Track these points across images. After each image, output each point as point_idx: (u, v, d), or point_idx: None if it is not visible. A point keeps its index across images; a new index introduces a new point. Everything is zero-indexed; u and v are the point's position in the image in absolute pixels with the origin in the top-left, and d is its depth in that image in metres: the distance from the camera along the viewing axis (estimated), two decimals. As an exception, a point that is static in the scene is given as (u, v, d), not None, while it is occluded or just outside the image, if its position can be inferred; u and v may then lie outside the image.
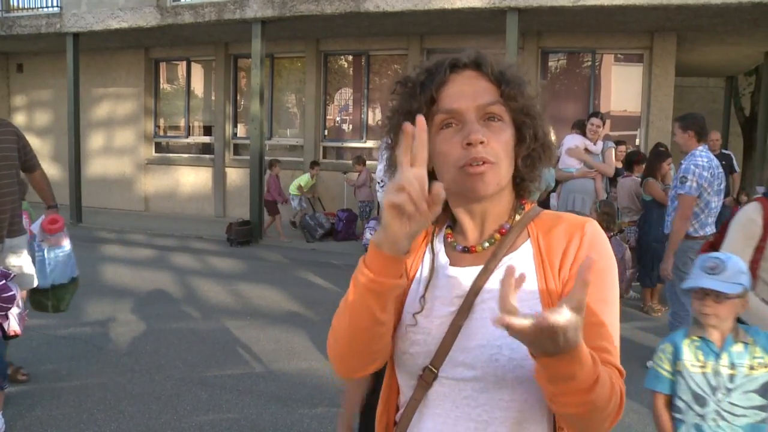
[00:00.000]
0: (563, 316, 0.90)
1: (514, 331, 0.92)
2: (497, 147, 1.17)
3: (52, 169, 15.00)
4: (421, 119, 1.03)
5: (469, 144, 1.15)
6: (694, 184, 5.11)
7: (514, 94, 1.21)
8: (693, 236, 5.28)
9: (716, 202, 5.30)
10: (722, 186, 5.36)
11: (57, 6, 13.49)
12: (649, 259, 6.79)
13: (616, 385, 1.07)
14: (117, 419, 4.13)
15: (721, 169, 5.35)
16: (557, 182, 7.81)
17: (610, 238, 5.56)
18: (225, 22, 11.57)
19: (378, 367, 1.27)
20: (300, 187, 12.28)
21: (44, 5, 13.86)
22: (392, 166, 1.28)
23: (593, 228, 1.21)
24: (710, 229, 5.34)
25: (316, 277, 8.56)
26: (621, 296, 5.50)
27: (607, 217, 5.86)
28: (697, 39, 11.30)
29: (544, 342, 0.93)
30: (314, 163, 12.63)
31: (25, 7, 14.30)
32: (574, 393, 1.00)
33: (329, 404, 4.48)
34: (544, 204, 7.64)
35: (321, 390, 4.72)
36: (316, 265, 9.31)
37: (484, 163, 1.15)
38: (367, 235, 10.28)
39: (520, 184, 1.27)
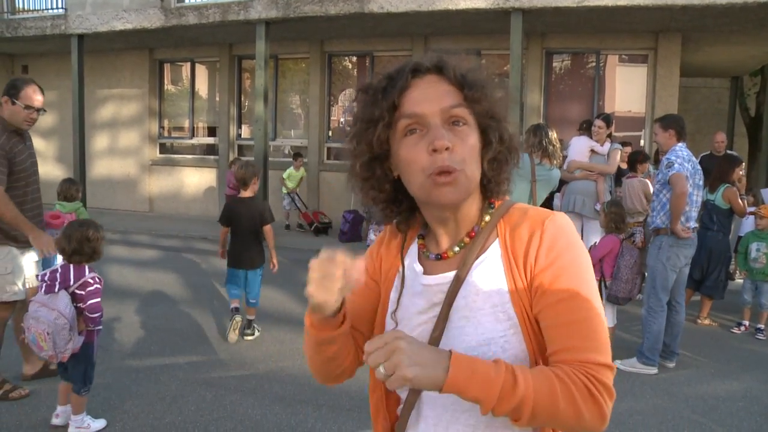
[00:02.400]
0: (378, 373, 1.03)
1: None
2: (463, 152, 1.15)
3: (56, 170, 15.07)
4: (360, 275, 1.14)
5: (434, 150, 1.13)
6: (683, 168, 5.24)
7: (478, 97, 1.19)
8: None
9: (697, 196, 5.39)
10: (701, 182, 5.49)
11: (62, 8, 13.52)
12: (722, 270, 6.79)
13: (563, 378, 1.06)
14: (122, 419, 4.14)
15: (700, 167, 5.48)
16: (562, 182, 7.81)
17: (621, 241, 5.56)
18: (229, 23, 11.59)
19: (348, 377, 1.41)
20: (284, 182, 12.35)
21: (49, 7, 13.89)
22: (361, 178, 1.29)
23: (554, 223, 1.18)
24: (693, 223, 5.41)
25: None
26: (631, 299, 5.51)
27: (616, 217, 5.84)
28: (702, 39, 11.28)
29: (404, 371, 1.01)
30: (297, 155, 12.66)
31: (31, 8, 14.32)
32: (499, 404, 1.03)
33: (333, 405, 4.48)
34: (548, 204, 7.63)
35: (325, 390, 4.72)
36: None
37: (450, 172, 1.13)
38: (371, 236, 10.27)
39: (487, 186, 1.26)
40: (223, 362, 5.33)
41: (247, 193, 5.97)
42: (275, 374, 5.07)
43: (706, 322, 6.89)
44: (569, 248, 1.16)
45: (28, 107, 4.36)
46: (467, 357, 1.05)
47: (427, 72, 1.20)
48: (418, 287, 1.27)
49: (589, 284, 1.16)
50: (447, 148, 1.13)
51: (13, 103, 4.35)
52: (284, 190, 12.45)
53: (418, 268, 1.29)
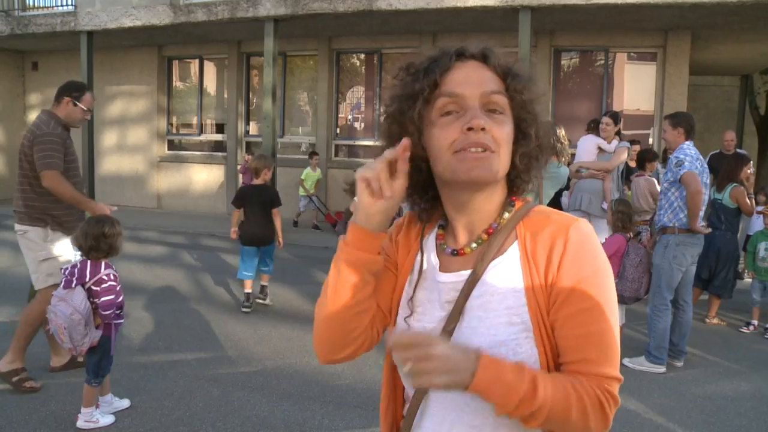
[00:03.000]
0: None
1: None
2: (498, 136, 1.15)
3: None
4: (407, 141, 1.14)
5: (469, 129, 1.12)
6: (693, 166, 5.23)
7: (520, 88, 1.19)
8: (686, 229, 5.30)
9: (704, 194, 5.36)
10: (707, 180, 5.48)
11: (71, 5, 13.57)
12: (730, 269, 6.77)
13: (578, 388, 1.09)
14: (130, 415, 4.16)
15: (706, 165, 5.46)
16: (569, 181, 7.79)
17: (627, 240, 5.55)
18: (238, 20, 11.60)
19: (354, 352, 1.29)
20: (302, 183, 12.34)
21: (59, 4, 13.94)
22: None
23: (578, 231, 1.16)
24: (702, 222, 5.39)
25: (327, 275, 8.56)
26: (639, 299, 5.50)
27: (622, 216, 5.82)
28: (711, 37, 11.22)
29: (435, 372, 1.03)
30: (313, 153, 12.65)
31: (41, 5, 14.39)
32: (517, 408, 1.06)
33: (341, 401, 4.49)
34: (555, 202, 7.61)
35: (333, 387, 4.73)
36: (328, 263, 9.28)
37: (484, 150, 1.13)
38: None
39: (513, 181, 1.25)
40: (230, 359, 5.35)
41: (258, 181, 6.87)
42: (283, 371, 5.08)
43: (715, 321, 6.86)
44: (593, 258, 1.16)
45: (84, 110, 4.83)
46: (494, 361, 1.06)
47: (471, 57, 1.20)
48: (434, 282, 1.26)
49: (608, 295, 1.16)
50: (483, 129, 1.12)
51: (75, 105, 4.78)
52: (302, 192, 12.42)
53: (435, 261, 1.28)
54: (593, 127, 7.92)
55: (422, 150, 1.21)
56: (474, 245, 1.24)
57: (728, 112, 17.15)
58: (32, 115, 16.53)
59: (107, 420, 4.00)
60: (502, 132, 1.16)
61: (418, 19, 11.05)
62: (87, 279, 3.77)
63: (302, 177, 12.41)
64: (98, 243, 3.80)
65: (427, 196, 1.29)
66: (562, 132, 5.41)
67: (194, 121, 15.30)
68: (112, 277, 3.84)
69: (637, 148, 8.85)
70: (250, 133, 14.62)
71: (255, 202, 6.72)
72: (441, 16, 10.60)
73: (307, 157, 12.88)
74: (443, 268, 1.26)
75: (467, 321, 1.19)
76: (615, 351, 1.14)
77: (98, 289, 3.77)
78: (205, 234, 11.96)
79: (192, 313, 6.64)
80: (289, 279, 8.16)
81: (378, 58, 13.34)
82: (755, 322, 6.70)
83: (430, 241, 1.32)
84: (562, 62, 12.28)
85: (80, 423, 3.92)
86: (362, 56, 13.81)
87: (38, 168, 4.48)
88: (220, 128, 15.02)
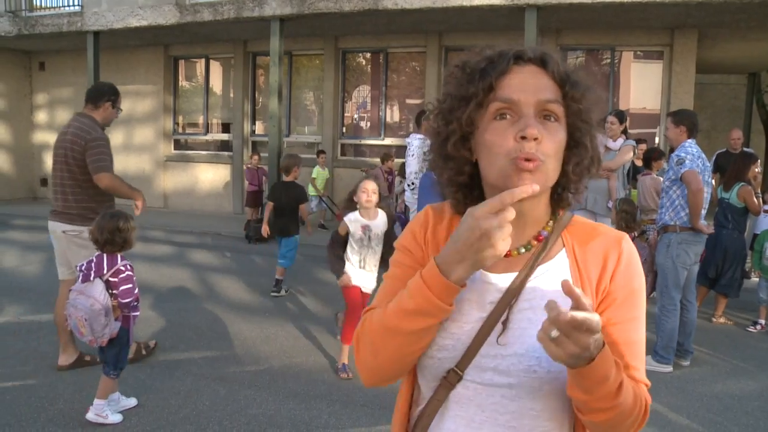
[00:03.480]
0: (594, 317, 0.95)
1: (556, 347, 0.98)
2: (550, 147, 1.13)
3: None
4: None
5: (523, 138, 1.11)
6: (694, 164, 5.20)
7: (579, 97, 1.18)
8: (688, 227, 5.29)
9: (706, 193, 5.35)
10: (710, 179, 5.47)
11: (78, 5, 13.62)
12: (737, 269, 6.75)
13: (639, 393, 1.13)
14: (137, 413, 4.17)
15: (708, 163, 5.44)
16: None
17: (633, 239, 5.55)
18: (244, 19, 11.62)
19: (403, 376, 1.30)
20: (313, 182, 12.30)
21: (66, 4, 13.99)
22: (442, 157, 1.24)
23: (629, 244, 1.22)
24: (703, 221, 5.37)
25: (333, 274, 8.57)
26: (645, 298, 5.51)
27: (626, 216, 5.81)
28: (718, 35, 11.18)
29: (581, 347, 0.97)
30: (321, 152, 12.68)
31: (47, 6, 14.44)
32: (604, 398, 1.04)
33: (347, 400, 4.50)
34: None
35: (339, 386, 4.74)
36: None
37: (533, 160, 1.11)
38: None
39: (561, 194, 1.24)
40: (237, 358, 5.36)
41: (288, 178, 7.50)
42: (289, 370, 5.09)
43: (722, 320, 6.84)
44: (640, 273, 1.23)
45: (119, 112, 5.35)
46: (607, 348, 1.04)
47: (530, 62, 1.18)
48: (475, 284, 1.22)
49: (644, 310, 1.23)
50: (536, 138, 1.11)
51: (113, 107, 5.18)
52: (312, 192, 12.39)
53: None
54: (599, 126, 7.89)
55: (468, 152, 1.20)
56: (522, 250, 1.22)
57: (735, 111, 17.08)
58: (39, 115, 16.61)
59: (116, 418, 4.03)
60: (554, 142, 1.14)
61: (423, 18, 11.04)
62: (105, 271, 3.92)
63: (313, 176, 12.39)
64: (113, 237, 3.95)
65: (472, 195, 1.26)
66: None
67: (200, 120, 15.34)
68: (129, 267, 4.01)
69: (643, 146, 8.83)
70: (256, 132, 14.65)
71: (283, 197, 7.40)
72: (447, 15, 10.59)
73: (315, 156, 12.89)
74: (487, 269, 1.22)
75: (516, 322, 1.18)
76: (644, 361, 1.22)
77: (116, 280, 3.92)
78: (211, 233, 11.98)
79: (198, 312, 6.66)
80: (296, 278, 8.17)
81: (384, 57, 13.34)
82: (762, 321, 6.68)
83: None
84: (568, 61, 12.21)
85: (90, 415, 3.98)
86: (368, 55, 13.82)
87: (93, 171, 4.76)
88: (226, 128, 15.04)
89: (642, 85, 11.88)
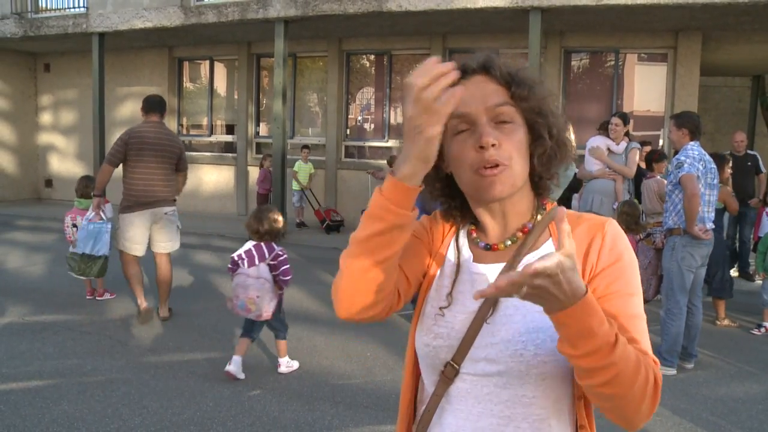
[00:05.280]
0: (551, 259, 0.92)
1: (508, 287, 0.93)
2: (510, 148, 1.18)
3: (77, 167, 15.25)
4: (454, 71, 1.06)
5: (481, 147, 1.16)
6: (693, 168, 5.18)
7: (525, 95, 1.21)
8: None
9: (709, 196, 5.34)
10: (715, 181, 5.47)
11: (83, 6, 13.66)
12: (725, 269, 6.72)
13: (643, 362, 1.07)
14: (141, 414, 4.19)
15: (713, 165, 5.45)
16: (580, 183, 7.78)
17: (636, 242, 5.54)
18: (248, 21, 11.65)
19: (375, 311, 1.23)
20: (295, 176, 12.44)
21: (71, 6, 14.04)
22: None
23: (613, 227, 1.23)
24: (710, 224, 5.35)
25: (334, 276, 8.57)
26: (647, 301, 5.47)
27: (627, 218, 5.81)
28: (723, 38, 11.16)
29: (550, 290, 0.94)
30: (305, 147, 12.80)
31: (53, 7, 14.49)
32: (595, 353, 1.00)
33: (351, 402, 4.50)
34: (566, 204, 7.60)
35: (343, 387, 4.75)
36: (335, 263, 9.29)
37: (497, 165, 1.16)
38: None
39: (538, 183, 1.28)
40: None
41: None
42: (293, 371, 5.10)
43: (725, 323, 6.82)
44: (628, 250, 1.22)
45: None
46: (594, 300, 1.01)
47: (474, 72, 1.23)
48: (468, 274, 1.28)
49: (639, 287, 1.22)
50: (493, 145, 1.16)
51: (161, 117, 6.43)
52: (295, 186, 12.51)
53: (468, 254, 1.31)
54: (604, 129, 7.91)
55: (440, 165, 1.25)
56: (509, 242, 1.27)
57: (739, 113, 17.03)
58: (44, 117, 16.68)
59: (295, 364, 5.12)
60: (513, 143, 1.19)
61: (428, 20, 11.05)
62: (267, 257, 4.78)
63: (295, 170, 12.53)
64: (272, 228, 4.83)
65: (455, 202, 1.33)
66: (570, 133, 5.40)
67: (204, 122, 15.36)
68: (284, 251, 4.88)
69: (647, 149, 8.82)
70: (261, 134, 14.66)
71: None
72: (451, 17, 10.60)
73: (319, 158, 12.93)
74: (477, 260, 1.29)
75: (502, 310, 1.21)
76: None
77: (275, 263, 4.80)
78: (215, 235, 12.00)
79: (202, 313, 6.67)
80: (298, 279, 8.17)
81: (388, 59, 13.35)
82: (767, 324, 6.66)
83: (461, 237, 1.35)
84: (572, 63, 12.24)
85: (282, 369, 5.02)
86: (372, 57, 13.82)
87: (183, 168, 6.51)
88: (230, 129, 15.06)
89: (646, 88, 11.86)
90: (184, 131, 15.58)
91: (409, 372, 1.37)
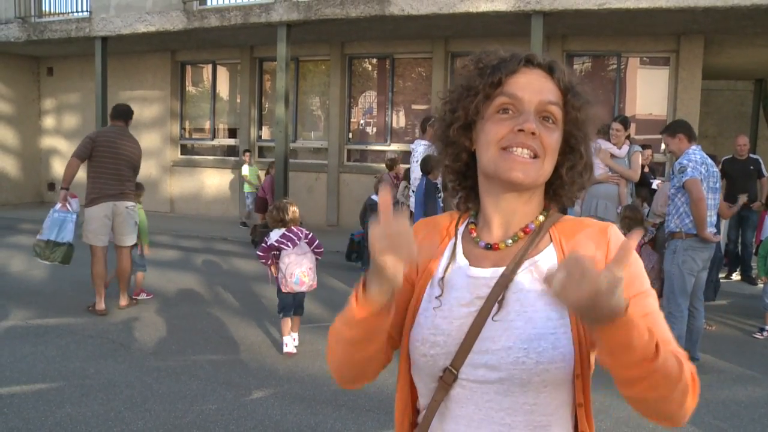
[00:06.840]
0: (603, 277, 0.93)
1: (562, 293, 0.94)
2: (547, 143, 1.20)
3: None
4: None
5: (520, 130, 1.18)
6: (696, 171, 5.18)
7: (578, 106, 1.24)
8: (693, 234, 5.28)
9: (712, 200, 5.34)
10: (717, 185, 5.47)
11: (87, 11, 13.70)
12: (713, 272, 6.71)
13: (683, 363, 1.07)
14: (143, 417, 4.20)
15: (716, 168, 5.45)
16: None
17: (639, 246, 5.53)
18: (250, 25, 11.67)
19: (373, 376, 1.32)
20: (246, 179, 12.82)
21: (74, 10, 14.08)
22: (444, 142, 1.31)
23: (615, 231, 1.24)
24: (713, 228, 5.35)
25: (338, 280, 8.59)
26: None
27: (628, 222, 5.80)
28: (725, 41, 11.16)
29: (597, 307, 0.94)
30: (246, 151, 13.24)
31: (56, 12, 14.53)
32: (636, 365, 1.01)
33: (353, 405, 4.51)
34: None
35: (344, 391, 4.74)
36: (338, 267, 9.33)
37: (532, 155, 1.19)
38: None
39: (555, 192, 1.30)
40: (243, 362, 5.38)
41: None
42: (295, 375, 5.11)
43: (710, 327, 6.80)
44: (635, 255, 1.19)
45: None
46: (636, 319, 1.00)
47: (538, 66, 1.25)
48: (463, 279, 1.25)
49: (649, 283, 1.22)
50: (533, 133, 1.18)
51: (126, 124, 7.23)
52: (247, 188, 12.65)
53: (463, 261, 1.28)
54: (605, 132, 7.91)
55: (468, 140, 1.27)
56: (510, 242, 1.26)
57: (742, 117, 17.02)
58: (47, 120, 16.74)
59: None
60: (551, 140, 1.21)
61: (430, 25, 11.06)
62: (301, 236, 5.49)
63: (245, 174, 12.90)
64: (294, 216, 5.55)
65: (465, 183, 1.34)
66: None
67: (207, 125, 15.39)
68: (309, 231, 5.62)
69: (649, 152, 8.82)
70: (263, 137, 14.68)
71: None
72: (453, 21, 10.61)
73: (321, 161, 12.94)
74: (475, 264, 1.27)
75: (503, 315, 1.19)
76: None
77: (309, 240, 5.54)
78: (217, 238, 12.02)
79: (205, 317, 6.68)
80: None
81: (390, 63, 13.37)
82: (769, 327, 6.66)
83: (461, 236, 1.34)
84: (575, 67, 12.24)
85: (290, 348, 5.58)
86: (374, 61, 13.84)
87: (137, 173, 7.04)
88: (232, 133, 15.09)
89: (648, 92, 11.86)
90: (187, 135, 15.62)
91: (403, 382, 1.34)
